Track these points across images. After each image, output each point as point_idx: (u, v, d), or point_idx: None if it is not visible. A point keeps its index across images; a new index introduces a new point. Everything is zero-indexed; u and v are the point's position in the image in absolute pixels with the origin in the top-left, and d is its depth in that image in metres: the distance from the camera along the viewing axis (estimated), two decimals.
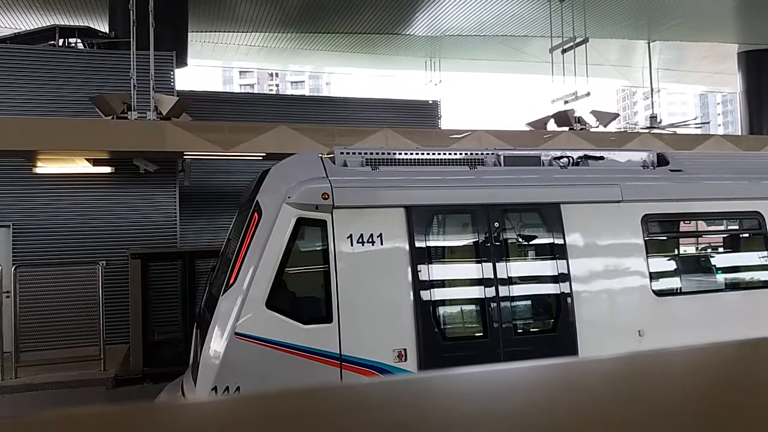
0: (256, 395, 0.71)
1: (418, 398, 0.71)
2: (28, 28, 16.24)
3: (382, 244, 5.83)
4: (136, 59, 10.89)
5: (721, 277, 7.44)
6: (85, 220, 11.47)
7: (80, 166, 10.67)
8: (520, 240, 6.57)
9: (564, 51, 15.82)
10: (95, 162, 10.72)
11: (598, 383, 0.78)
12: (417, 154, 6.56)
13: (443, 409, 0.68)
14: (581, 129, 14.27)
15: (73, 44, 14.00)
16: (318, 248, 5.82)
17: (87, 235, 11.45)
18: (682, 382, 0.79)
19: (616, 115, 16.57)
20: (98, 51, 13.17)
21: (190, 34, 15.69)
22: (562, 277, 6.31)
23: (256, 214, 5.80)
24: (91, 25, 15.67)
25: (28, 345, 9.95)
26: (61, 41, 13.84)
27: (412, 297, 5.84)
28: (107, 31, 14.62)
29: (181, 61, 13.90)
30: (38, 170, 10.66)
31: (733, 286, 7.36)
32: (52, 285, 10.84)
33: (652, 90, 21.58)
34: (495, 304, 6.06)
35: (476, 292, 6.16)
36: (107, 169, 11.03)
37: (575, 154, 7.14)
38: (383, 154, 6.44)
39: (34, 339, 10.31)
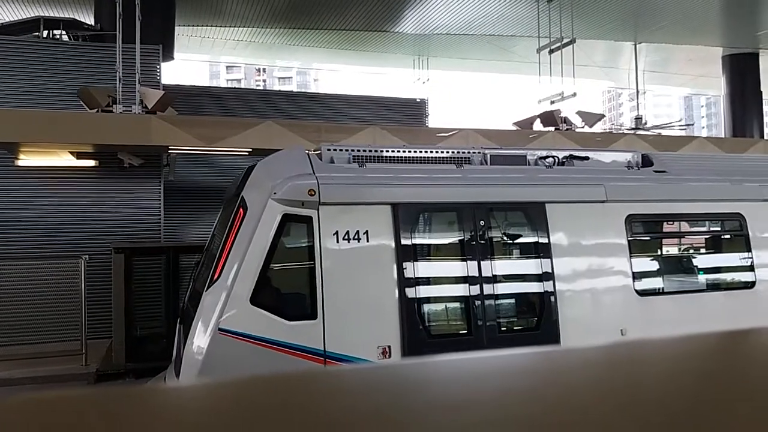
0: (238, 381, 0.71)
1: (399, 384, 0.71)
2: (11, 19, 16.02)
3: (368, 241, 5.83)
4: (122, 52, 10.78)
5: (702, 278, 7.53)
6: (68, 214, 11.34)
7: (64, 159, 10.55)
8: (505, 239, 6.60)
9: (551, 51, 15.90)
10: (79, 155, 10.60)
11: (579, 371, 0.79)
12: (404, 151, 6.57)
13: (424, 395, 0.68)
14: (567, 129, 14.36)
15: (58, 36, 13.83)
16: (303, 245, 5.80)
17: (70, 229, 11.33)
18: (663, 372, 0.80)
19: (602, 116, 16.69)
20: (83, 43, 13.02)
21: (177, 27, 15.56)
22: (546, 276, 6.35)
23: (241, 210, 5.78)
24: (77, 17, 15.48)
25: (8, 339, 9.83)
26: (45, 33, 13.65)
27: (397, 294, 5.85)
28: (93, 23, 14.45)
29: (168, 55, 13.78)
30: (20, 163, 10.51)
31: (714, 286, 7.46)
32: (34, 279, 10.72)
33: (637, 92, 21.77)
34: (479, 302, 6.09)
35: (461, 289, 6.18)
36: (91, 163, 10.91)
37: (561, 154, 7.19)
38: (370, 151, 6.44)
39: (14, 333, 10.19)
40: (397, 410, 0.64)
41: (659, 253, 7.38)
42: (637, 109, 21.13)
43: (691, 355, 0.89)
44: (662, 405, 0.67)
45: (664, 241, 7.59)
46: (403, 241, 5.96)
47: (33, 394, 0.63)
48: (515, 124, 15.09)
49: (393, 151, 6.54)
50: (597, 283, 6.62)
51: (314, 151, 6.44)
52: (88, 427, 0.59)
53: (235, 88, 45.77)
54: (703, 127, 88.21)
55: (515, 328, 6.50)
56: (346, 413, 0.63)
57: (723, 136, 23.78)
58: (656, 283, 7.08)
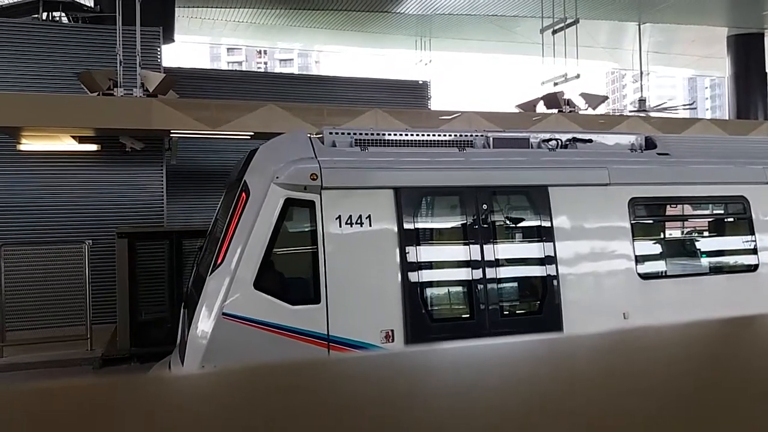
0: (243, 368, 0.72)
1: (404, 372, 0.71)
2: (10, 1, 15.90)
3: (370, 225, 5.83)
4: (123, 35, 10.71)
5: (705, 261, 7.53)
6: (70, 199, 11.36)
7: (65, 143, 10.54)
8: (508, 222, 6.59)
9: (555, 32, 15.75)
10: (81, 139, 10.58)
11: (583, 358, 0.79)
12: (406, 135, 6.54)
13: (429, 382, 0.68)
14: (570, 111, 14.28)
15: (58, 18, 13.74)
16: (306, 229, 5.81)
17: (73, 213, 11.35)
18: (666, 359, 0.80)
19: (605, 98, 16.58)
20: (83, 25, 12.94)
21: (177, 9, 15.45)
22: (549, 260, 6.36)
23: (243, 194, 5.77)
24: None
25: (14, 324, 9.89)
26: (45, 15, 13.57)
27: (399, 278, 5.87)
28: (92, 5, 14.35)
29: (168, 37, 13.70)
30: (22, 147, 10.50)
31: (717, 269, 7.45)
32: (38, 264, 10.76)
33: (641, 73, 21.59)
34: (482, 286, 6.10)
35: (463, 273, 6.19)
36: (93, 147, 10.90)
37: (564, 137, 7.15)
38: (372, 134, 6.42)
39: (20, 318, 10.26)
40: (403, 397, 0.64)
41: (662, 236, 7.36)
42: (641, 91, 20.98)
43: (694, 342, 0.90)
44: (665, 391, 0.67)
45: (667, 224, 7.57)
46: (406, 225, 5.96)
47: (36, 384, 0.64)
48: (518, 106, 15.00)
49: (395, 135, 6.52)
50: (599, 267, 6.62)
51: (316, 134, 6.42)
52: (91, 417, 0.60)
53: (236, 70, 45.58)
54: (707, 109, 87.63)
55: (518, 312, 6.51)
56: (352, 400, 0.64)
57: (727, 117, 23.64)
58: (659, 266, 7.07)
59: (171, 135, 10.90)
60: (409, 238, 5.96)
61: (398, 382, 0.69)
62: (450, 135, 6.70)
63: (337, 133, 6.33)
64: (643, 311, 6.44)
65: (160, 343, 8.35)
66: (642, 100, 19.52)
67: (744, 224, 7.35)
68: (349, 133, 6.37)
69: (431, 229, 6.43)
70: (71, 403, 0.63)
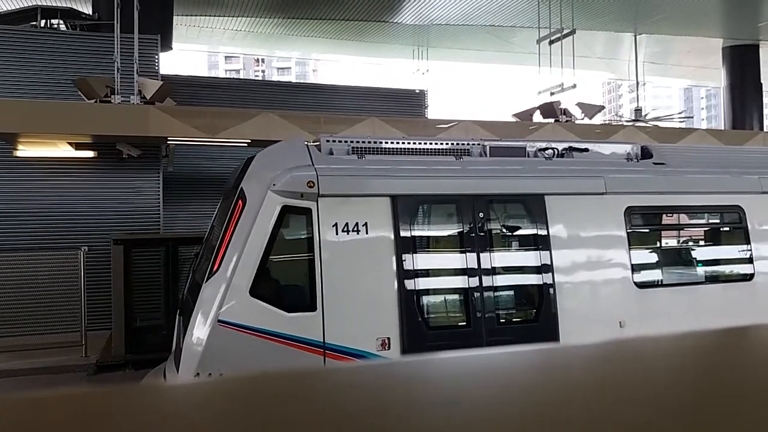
0: (240, 377, 0.71)
1: (400, 381, 0.71)
2: (8, 8, 15.92)
3: (367, 233, 5.83)
4: (120, 42, 10.73)
5: (701, 270, 7.54)
6: (66, 205, 11.33)
7: (62, 150, 10.52)
8: (504, 230, 6.60)
9: (551, 42, 15.84)
10: (77, 146, 10.57)
11: (578, 368, 0.79)
12: (403, 143, 6.56)
13: (425, 392, 0.68)
14: (567, 121, 14.34)
15: (56, 25, 13.75)
16: (303, 236, 5.81)
17: (69, 220, 11.32)
18: (662, 369, 0.80)
19: (602, 108, 16.66)
20: (81, 33, 12.95)
21: (175, 17, 15.49)
22: (545, 268, 6.36)
23: (240, 202, 5.77)
24: (74, 6, 15.40)
25: (8, 330, 9.84)
26: (43, 22, 13.58)
27: (396, 286, 5.86)
28: (90, 12, 14.37)
29: (166, 45, 13.72)
30: (19, 153, 10.49)
31: (713, 278, 7.47)
32: (33, 270, 10.72)
33: (637, 83, 21.72)
34: (478, 294, 6.10)
35: (460, 281, 6.19)
36: (90, 154, 10.89)
37: (560, 146, 7.18)
38: (369, 142, 6.43)
39: (14, 324, 10.20)
40: (399, 407, 0.64)
41: (658, 245, 7.38)
42: (637, 101, 21.09)
43: (690, 352, 0.90)
44: (661, 402, 0.67)
45: (663, 233, 7.59)
46: (402, 233, 5.96)
47: (29, 393, 0.63)
48: (515, 115, 15.05)
49: (392, 143, 6.53)
50: (596, 276, 6.63)
51: (313, 142, 6.43)
52: (86, 427, 0.59)
53: (233, 78, 45.60)
54: (703, 119, 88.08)
55: (514, 320, 6.51)
56: (349, 409, 0.63)
57: (723, 128, 23.75)
58: (655, 275, 7.09)
59: (168, 142, 10.90)
60: (406, 246, 5.97)
61: (395, 392, 0.69)
62: (447, 143, 6.71)
63: (334, 141, 6.34)
64: (639, 320, 6.44)
65: (156, 349, 8.31)
66: (638, 110, 19.63)
67: (740, 233, 7.38)
68: (346, 141, 6.38)
69: (428, 237, 6.43)
70: (65, 413, 0.62)
